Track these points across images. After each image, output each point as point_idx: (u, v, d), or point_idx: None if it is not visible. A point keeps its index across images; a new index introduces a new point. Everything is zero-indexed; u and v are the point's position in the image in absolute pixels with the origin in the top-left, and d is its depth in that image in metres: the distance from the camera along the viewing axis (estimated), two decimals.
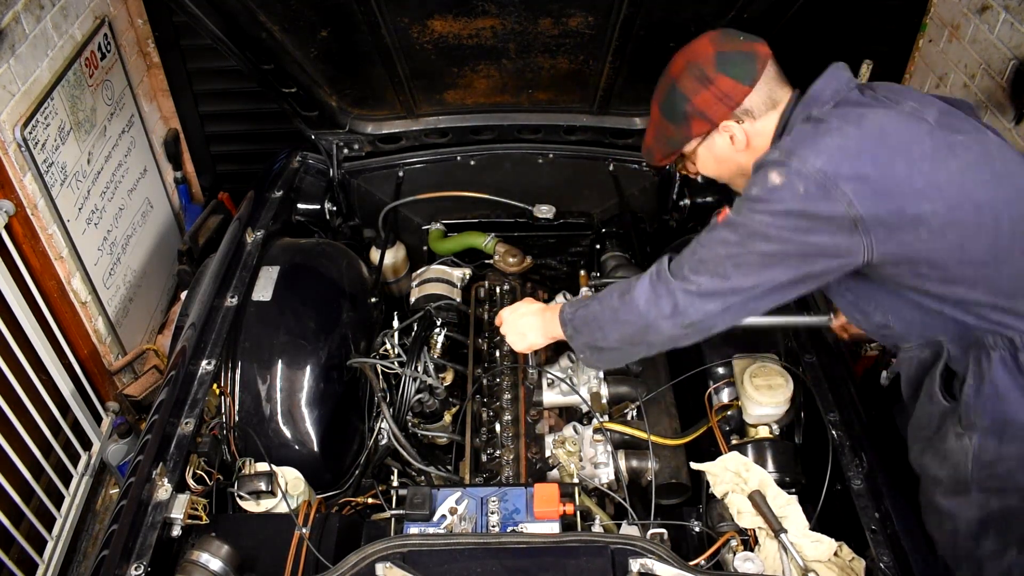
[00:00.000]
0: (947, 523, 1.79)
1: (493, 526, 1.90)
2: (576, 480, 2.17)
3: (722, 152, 1.82)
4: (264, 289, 2.49)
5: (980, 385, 1.64)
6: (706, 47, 1.75)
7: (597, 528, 1.92)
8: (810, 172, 1.52)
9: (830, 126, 1.60)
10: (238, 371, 2.31)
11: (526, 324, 2.14)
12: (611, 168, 3.13)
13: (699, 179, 2.09)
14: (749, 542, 1.92)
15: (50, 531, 2.86)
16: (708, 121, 1.77)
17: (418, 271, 2.92)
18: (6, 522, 2.61)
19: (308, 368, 2.36)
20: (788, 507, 1.92)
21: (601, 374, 2.40)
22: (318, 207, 3.12)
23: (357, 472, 2.39)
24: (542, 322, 2.11)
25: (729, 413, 2.25)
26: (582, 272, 2.75)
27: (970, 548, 1.77)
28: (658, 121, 1.86)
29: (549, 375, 2.41)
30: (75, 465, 3.08)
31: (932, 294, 1.64)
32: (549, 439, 2.30)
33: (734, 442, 2.19)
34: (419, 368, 2.45)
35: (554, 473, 2.22)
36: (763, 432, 2.17)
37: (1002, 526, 1.74)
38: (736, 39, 1.76)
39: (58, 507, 2.93)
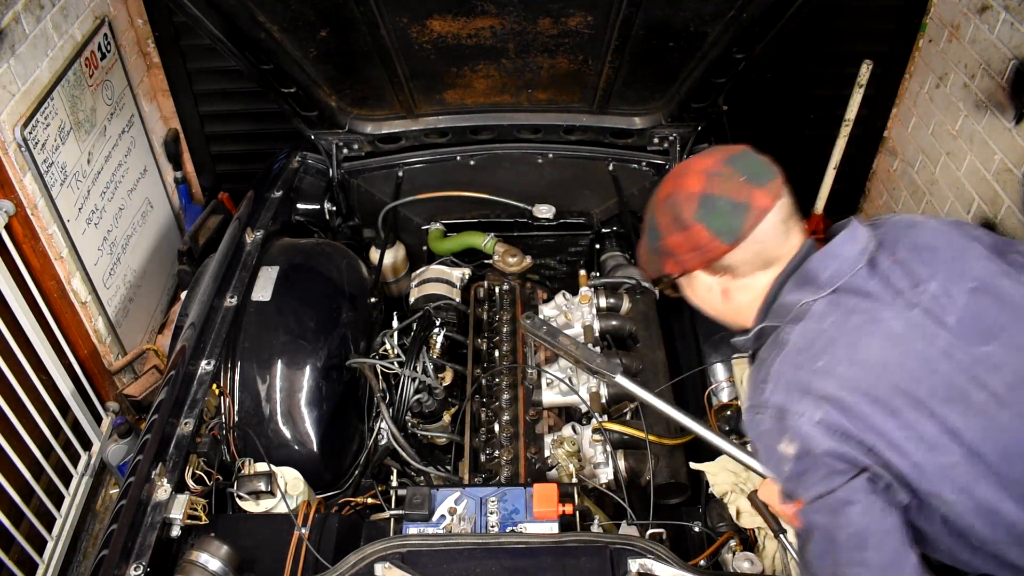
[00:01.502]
0: None
1: (492, 526, 1.90)
2: (575, 480, 2.17)
3: (702, 294, 1.59)
4: (264, 289, 2.49)
5: None
6: (695, 181, 1.47)
7: (596, 528, 1.92)
8: (815, 424, 1.31)
9: (813, 355, 1.36)
10: (238, 371, 2.32)
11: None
12: (611, 168, 3.13)
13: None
14: (749, 542, 1.92)
15: (50, 531, 2.86)
16: (679, 265, 1.53)
17: (418, 271, 2.92)
18: (6, 522, 2.61)
19: (308, 368, 2.36)
20: None
21: None
22: (318, 207, 3.12)
23: (356, 472, 2.40)
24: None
25: (729, 413, 2.25)
26: (582, 272, 2.75)
27: None
28: (642, 240, 1.64)
29: (548, 375, 2.41)
30: (75, 465, 3.08)
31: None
32: (548, 439, 2.30)
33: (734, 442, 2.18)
34: (418, 368, 2.45)
35: (553, 473, 2.22)
36: None
37: None
38: (735, 179, 1.44)
39: (58, 507, 2.93)
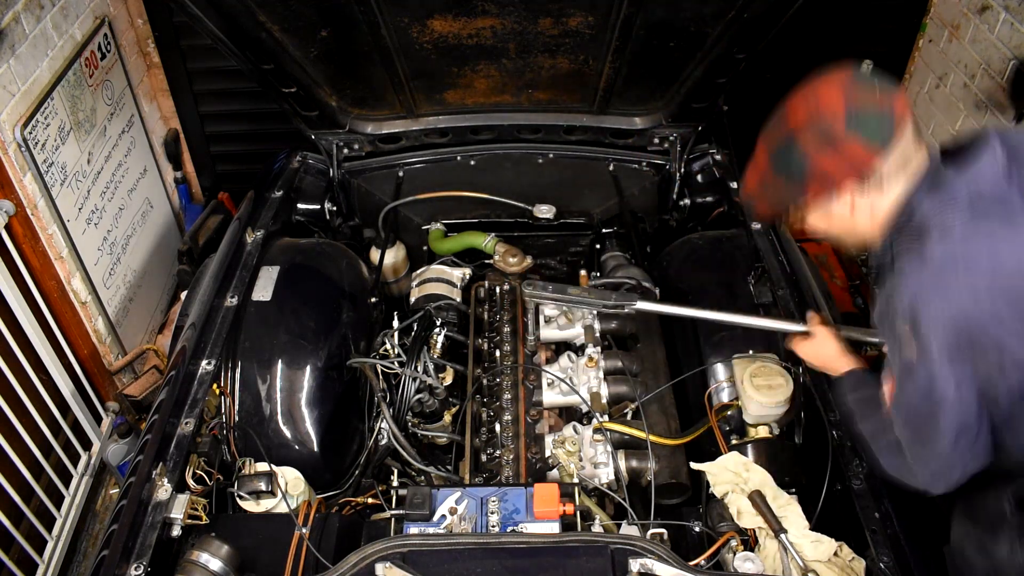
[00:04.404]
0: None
1: (493, 526, 1.90)
2: (576, 480, 2.17)
3: (838, 218, 1.61)
4: (264, 289, 2.49)
5: None
6: (835, 99, 1.48)
7: (597, 528, 1.92)
8: (939, 314, 1.42)
9: (955, 274, 1.42)
10: (238, 371, 2.31)
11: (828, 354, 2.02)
12: (611, 168, 3.13)
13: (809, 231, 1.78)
14: (749, 542, 1.92)
15: (50, 531, 2.86)
16: (829, 185, 1.53)
17: (418, 271, 2.92)
18: (6, 522, 2.61)
19: (308, 368, 2.36)
20: (788, 507, 1.92)
21: (601, 373, 2.40)
22: (318, 207, 3.12)
23: (357, 472, 2.39)
24: (837, 356, 1.98)
25: (729, 413, 2.25)
26: (582, 272, 2.75)
27: None
28: (767, 172, 1.61)
29: (549, 375, 2.41)
30: (75, 465, 3.08)
31: None
32: (549, 439, 2.30)
33: (734, 442, 2.19)
34: (419, 368, 2.45)
35: (554, 473, 2.22)
36: (763, 432, 2.16)
37: None
38: (871, 91, 1.48)
39: (58, 507, 2.93)
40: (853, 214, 1.57)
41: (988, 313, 1.41)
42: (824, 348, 2.00)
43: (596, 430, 2.23)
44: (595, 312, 2.55)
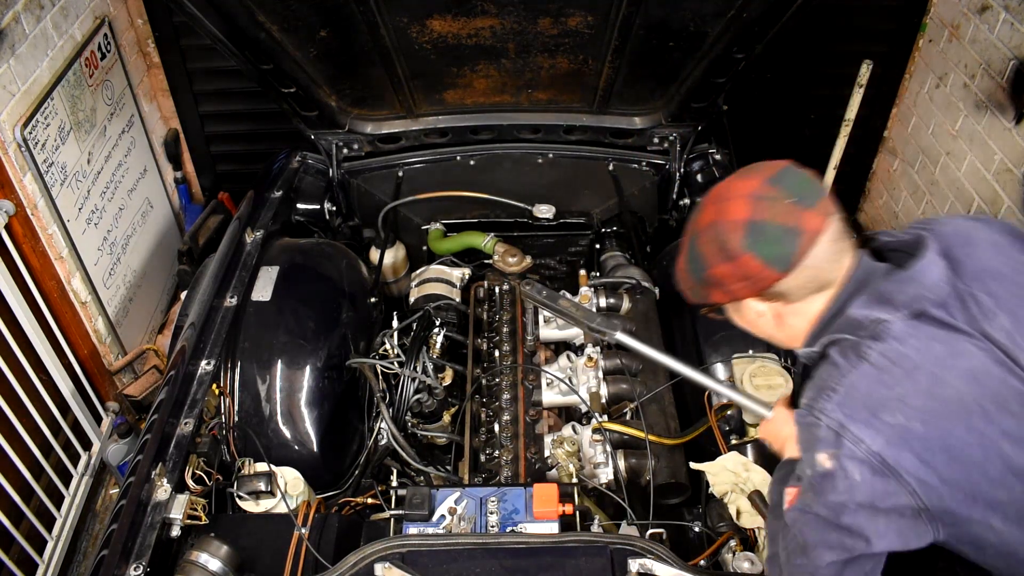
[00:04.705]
0: None
1: (492, 526, 1.90)
2: (575, 480, 2.17)
3: (751, 319, 1.52)
4: (264, 289, 2.49)
5: None
6: (740, 207, 1.37)
7: (596, 528, 1.92)
8: (865, 456, 1.26)
9: (893, 378, 1.29)
10: (237, 371, 2.32)
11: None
12: (611, 168, 3.13)
13: None
14: (749, 542, 1.92)
15: (50, 531, 2.86)
16: (728, 295, 1.46)
17: (418, 271, 2.92)
18: (6, 522, 2.61)
19: (307, 368, 2.36)
20: None
21: (600, 373, 2.40)
22: (318, 207, 3.12)
23: (356, 472, 2.40)
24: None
25: (729, 413, 2.25)
26: (582, 272, 2.75)
27: None
28: (683, 267, 1.52)
29: (548, 375, 2.41)
30: (75, 465, 3.08)
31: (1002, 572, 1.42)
32: (548, 439, 2.30)
33: (734, 442, 2.19)
34: (418, 368, 2.45)
35: (553, 473, 2.22)
36: None
37: None
38: (782, 201, 1.35)
39: (58, 507, 2.93)
40: (761, 320, 1.50)
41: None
42: (782, 430, 1.71)
43: (595, 430, 2.23)
44: (594, 311, 2.55)
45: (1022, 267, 1.39)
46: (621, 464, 2.19)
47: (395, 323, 2.55)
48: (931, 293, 1.34)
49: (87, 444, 3.16)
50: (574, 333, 2.52)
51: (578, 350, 2.52)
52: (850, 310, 1.38)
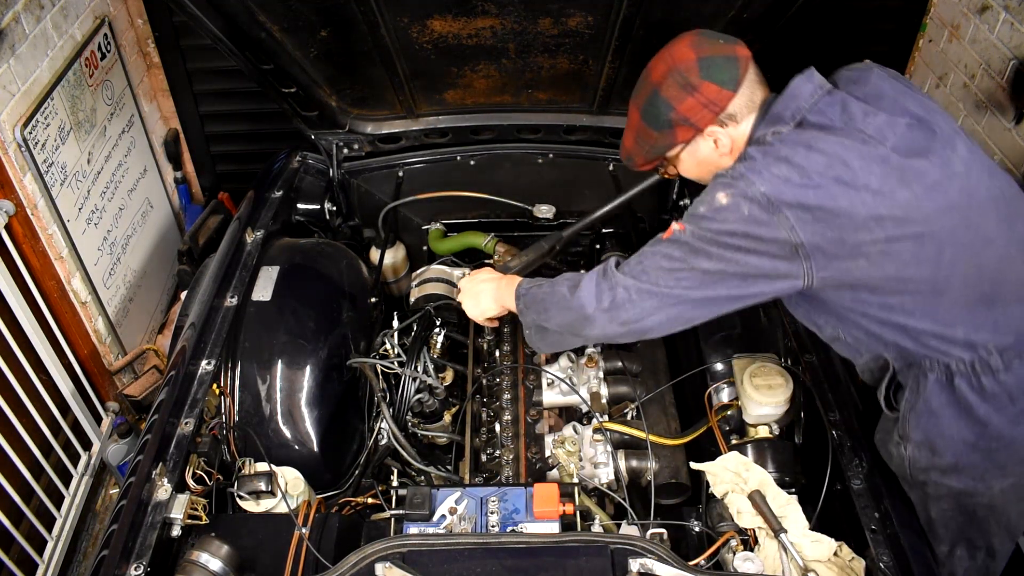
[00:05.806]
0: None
1: (493, 526, 1.90)
2: (576, 480, 2.17)
3: (705, 156, 1.82)
4: (264, 289, 2.49)
5: (916, 403, 1.76)
6: (687, 52, 1.73)
7: (597, 528, 1.92)
8: (755, 195, 1.58)
9: (780, 153, 1.62)
10: (238, 371, 2.31)
11: (482, 290, 2.21)
12: (611, 168, 3.13)
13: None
14: (749, 542, 1.92)
15: (50, 531, 2.86)
16: (693, 127, 1.76)
17: (418, 271, 2.92)
18: (6, 522, 2.61)
19: (308, 368, 2.36)
20: (788, 507, 1.92)
21: (601, 374, 2.40)
22: (318, 207, 3.12)
23: (357, 472, 2.39)
24: (497, 290, 2.18)
25: (729, 413, 2.25)
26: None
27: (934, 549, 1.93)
28: (639, 127, 1.84)
29: (549, 375, 2.41)
30: (75, 465, 3.08)
31: (873, 317, 1.71)
32: (549, 439, 2.30)
33: (734, 442, 2.19)
34: (419, 368, 2.45)
35: (554, 473, 2.22)
36: (763, 432, 2.16)
37: (943, 530, 1.90)
38: (716, 42, 1.74)
39: (58, 507, 2.93)
40: (717, 149, 1.78)
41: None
42: (477, 287, 2.23)
43: (596, 430, 2.23)
44: None
45: (903, 91, 1.72)
46: (622, 464, 2.19)
47: (395, 323, 2.55)
48: (806, 103, 1.68)
49: (87, 444, 3.16)
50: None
51: (578, 350, 2.52)
52: (758, 131, 1.72)
